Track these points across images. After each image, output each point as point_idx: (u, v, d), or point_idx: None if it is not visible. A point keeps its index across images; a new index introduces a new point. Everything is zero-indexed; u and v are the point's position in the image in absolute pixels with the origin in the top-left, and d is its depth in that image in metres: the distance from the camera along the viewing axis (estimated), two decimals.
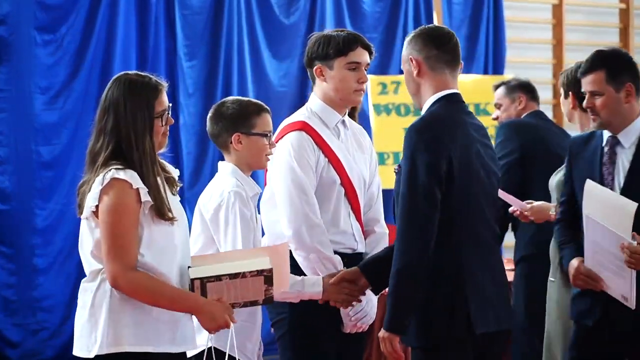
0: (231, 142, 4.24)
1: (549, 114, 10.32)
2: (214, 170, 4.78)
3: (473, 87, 8.81)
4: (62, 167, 7.70)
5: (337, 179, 4.44)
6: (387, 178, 8.28)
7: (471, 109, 8.54)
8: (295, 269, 4.29)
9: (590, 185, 4.17)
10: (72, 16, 7.83)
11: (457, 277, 3.86)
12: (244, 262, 3.63)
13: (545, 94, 10.39)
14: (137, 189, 3.56)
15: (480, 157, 3.98)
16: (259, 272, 3.61)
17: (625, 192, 4.17)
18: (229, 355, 3.85)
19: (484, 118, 8.54)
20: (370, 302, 4.47)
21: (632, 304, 4.08)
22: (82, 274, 3.74)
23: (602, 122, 4.28)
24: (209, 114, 4.32)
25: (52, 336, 7.71)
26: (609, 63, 4.29)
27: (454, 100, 4.04)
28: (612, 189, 4.23)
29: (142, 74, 3.71)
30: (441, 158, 3.84)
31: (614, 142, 4.32)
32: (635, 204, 4.00)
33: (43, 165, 7.71)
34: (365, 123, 8.02)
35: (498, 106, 6.80)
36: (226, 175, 4.24)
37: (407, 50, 4.08)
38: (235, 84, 8.45)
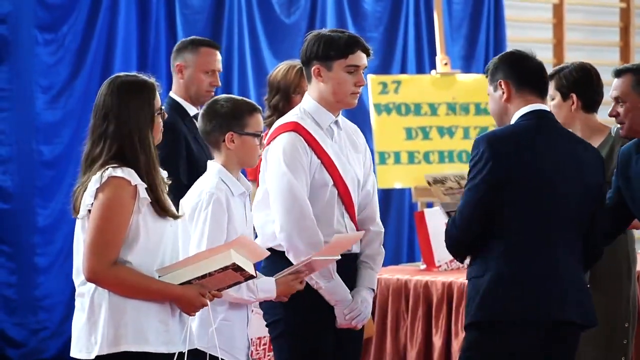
0: (224, 141, 4.21)
1: None
2: None
3: (473, 87, 8.79)
4: (63, 167, 7.69)
5: (329, 180, 4.40)
6: (387, 177, 8.33)
7: (471, 108, 8.62)
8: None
9: None
10: (73, 15, 7.84)
11: None
12: (208, 260, 3.61)
13: None
14: (136, 185, 3.55)
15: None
16: (224, 269, 3.60)
17: None
18: (215, 357, 3.83)
19: (485, 118, 8.54)
20: (365, 301, 4.46)
21: None
22: None
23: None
24: (202, 112, 4.27)
25: (52, 335, 7.71)
26: (488, 65, 4.24)
27: None
28: None
29: (133, 74, 3.71)
30: None
31: None
32: None
33: (44, 165, 7.72)
34: (365, 122, 8.02)
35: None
36: (211, 176, 4.18)
37: None
38: (235, 83, 8.44)
